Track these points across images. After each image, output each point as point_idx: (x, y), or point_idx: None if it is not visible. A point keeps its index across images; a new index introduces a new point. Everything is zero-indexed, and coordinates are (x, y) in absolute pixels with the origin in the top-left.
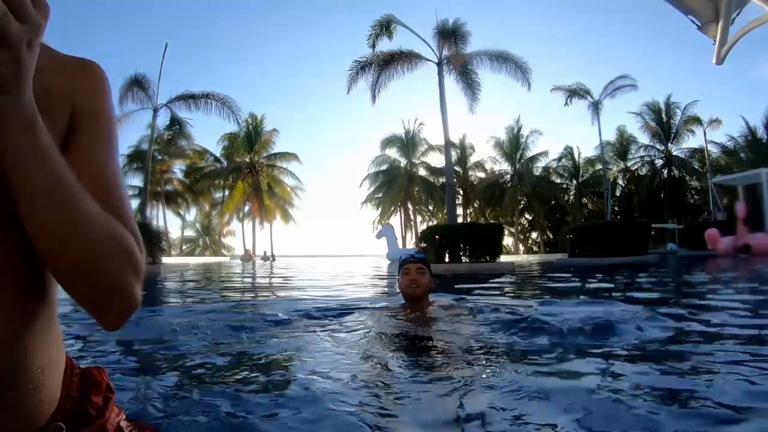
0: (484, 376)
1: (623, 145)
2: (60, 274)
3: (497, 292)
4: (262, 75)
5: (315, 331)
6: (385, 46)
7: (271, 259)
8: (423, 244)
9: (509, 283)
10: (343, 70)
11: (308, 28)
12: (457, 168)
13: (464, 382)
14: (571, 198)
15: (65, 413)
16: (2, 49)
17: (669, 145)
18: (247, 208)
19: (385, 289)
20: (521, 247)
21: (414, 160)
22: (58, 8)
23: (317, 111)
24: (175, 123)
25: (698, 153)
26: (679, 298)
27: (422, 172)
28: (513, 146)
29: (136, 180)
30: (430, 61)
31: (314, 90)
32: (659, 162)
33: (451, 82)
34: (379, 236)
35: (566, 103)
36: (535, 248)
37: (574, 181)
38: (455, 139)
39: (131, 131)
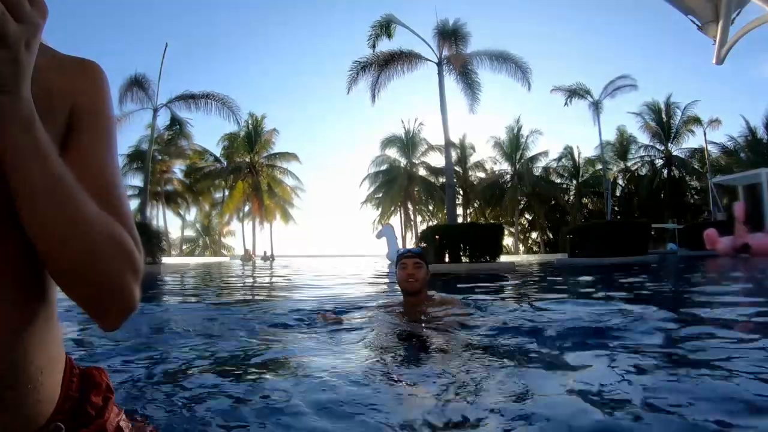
0: (479, 372)
1: (623, 145)
2: (60, 275)
3: (497, 292)
4: (262, 74)
5: (315, 330)
6: (385, 46)
7: (270, 259)
8: (423, 244)
9: (509, 283)
10: (343, 69)
11: (308, 27)
12: (457, 168)
13: (458, 378)
14: (571, 198)
15: (65, 413)
16: (1, 49)
17: (669, 145)
18: (247, 208)
19: (385, 288)
20: (521, 247)
21: (414, 160)
22: (58, 8)
23: (317, 110)
24: (175, 123)
25: (698, 153)
26: (678, 298)
27: (422, 172)
28: (513, 146)
29: (136, 180)
30: (430, 61)
31: (314, 89)
32: (659, 162)
33: (451, 82)
34: (379, 236)
35: (566, 103)
36: (535, 248)
37: (574, 181)
38: (455, 139)
39: (131, 131)
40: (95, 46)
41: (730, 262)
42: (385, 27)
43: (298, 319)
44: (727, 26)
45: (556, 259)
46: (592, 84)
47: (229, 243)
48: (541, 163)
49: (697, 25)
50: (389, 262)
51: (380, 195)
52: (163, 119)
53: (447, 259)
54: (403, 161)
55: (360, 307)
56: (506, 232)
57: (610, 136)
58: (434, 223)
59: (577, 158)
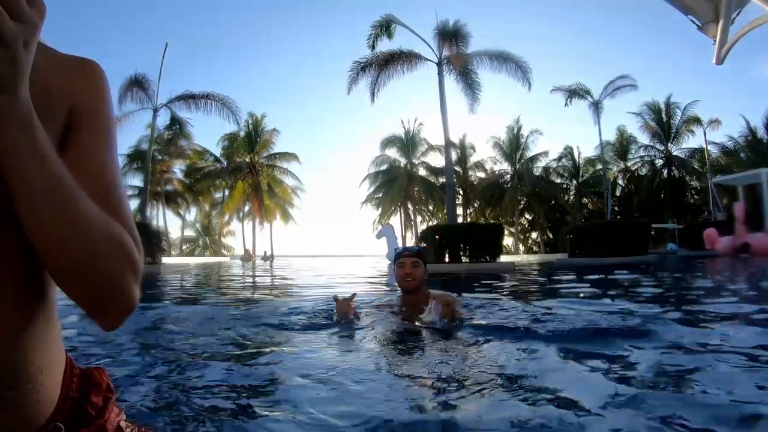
0: (477, 370)
1: (623, 145)
2: (59, 275)
3: (497, 292)
4: (263, 75)
5: (315, 329)
6: (385, 46)
7: (270, 259)
8: (423, 244)
9: (509, 283)
10: (343, 70)
11: (311, 28)
12: (457, 168)
13: (457, 375)
14: (571, 198)
15: (65, 413)
16: None
17: (669, 145)
18: (247, 208)
19: (385, 287)
20: (521, 247)
21: (414, 160)
22: (59, 8)
23: (317, 111)
24: (175, 123)
25: (698, 153)
26: (678, 298)
27: (422, 172)
28: (513, 146)
29: (136, 180)
30: (430, 61)
31: (314, 90)
32: (659, 162)
33: (451, 82)
34: (379, 236)
35: (566, 104)
36: (535, 248)
37: (574, 181)
38: (455, 139)
39: (131, 131)
40: (96, 47)
41: (729, 262)
42: (385, 27)
43: (299, 319)
44: (727, 26)
45: (556, 259)
46: (592, 84)
47: (229, 243)
48: (541, 163)
49: (697, 25)
50: (389, 262)
51: (380, 195)
52: (163, 119)
53: (447, 259)
54: (403, 161)
55: (360, 306)
56: (506, 232)
57: (610, 136)
58: (434, 223)
59: (577, 158)
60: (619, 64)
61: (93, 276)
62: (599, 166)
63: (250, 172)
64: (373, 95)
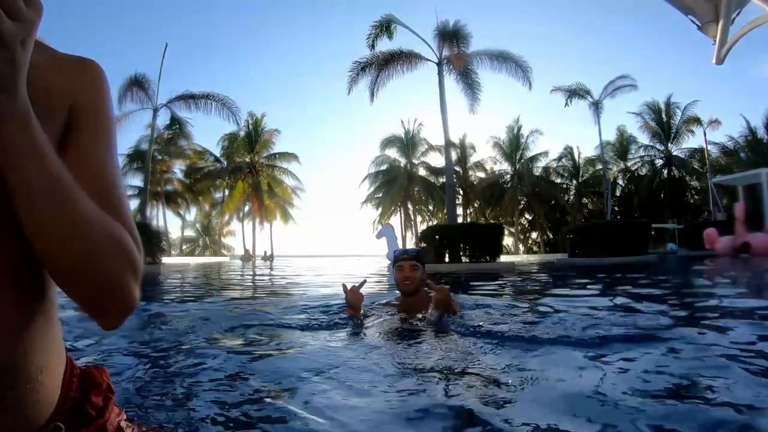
0: (476, 369)
1: (623, 145)
2: (59, 275)
3: (496, 292)
4: (262, 75)
5: (315, 329)
6: (385, 46)
7: (270, 259)
8: (423, 244)
9: (509, 283)
10: (343, 70)
11: (308, 28)
12: (457, 168)
13: (456, 375)
14: (571, 198)
15: (65, 413)
16: None
17: (669, 145)
18: (247, 208)
19: (385, 287)
20: (521, 247)
21: (414, 160)
22: (58, 8)
23: (317, 111)
24: (175, 123)
25: (698, 153)
26: (677, 298)
27: (422, 172)
28: (513, 146)
29: (136, 180)
30: (430, 61)
31: (314, 90)
32: (659, 162)
33: (451, 82)
34: (379, 236)
35: (566, 104)
36: (535, 248)
37: (574, 181)
38: (455, 139)
39: (131, 131)
40: (95, 47)
41: (729, 262)
42: (385, 27)
43: (299, 318)
44: (727, 26)
45: (556, 259)
46: (592, 84)
47: (229, 243)
48: (541, 163)
49: (697, 25)
50: (389, 262)
51: (380, 195)
52: (163, 119)
53: (447, 259)
54: (403, 161)
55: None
56: (506, 232)
57: (610, 136)
58: (434, 223)
59: (577, 158)
60: (619, 64)
61: (93, 276)
62: (599, 166)
63: (250, 172)
64: (372, 95)
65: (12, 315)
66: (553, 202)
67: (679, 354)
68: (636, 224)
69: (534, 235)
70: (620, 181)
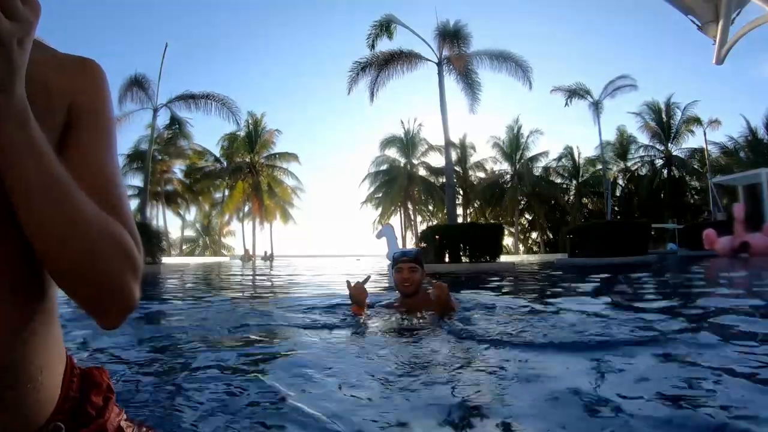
0: (475, 369)
1: (623, 145)
2: (59, 275)
3: (496, 292)
4: (262, 75)
5: (315, 329)
6: (385, 46)
7: (270, 259)
8: (423, 244)
9: (509, 283)
10: (343, 70)
11: (308, 28)
12: (457, 168)
13: (455, 375)
14: (571, 198)
15: (65, 413)
16: None
17: (669, 145)
18: (247, 208)
19: (385, 287)
20: (521, 247)
21: (414, 160)
22: (58, 8)
23: (317, 111)
24: (175, 123)
25: (698, 153)
26: (677, 298)
27: (422, 172)
28: (513, 146)
29: (136, 180)
30: (430, 61)
31: (314, 90)
32: (659, 162)
33: (451, 82)
34: (379, 236)
35: (566, 104)
36: (535, 248)
37: (574, 181)
38: (455, 139)
39: (131, 131)
40: (95, 47)
41: (729, 262)
42: (385, 27)
43: (299, 317)
44: (727, 26)
45: (556, 259)
46: (592, 84)
47: (229, 243)
48: (541, 163)
49: (697, 25)
50: (389, 262)
51: (380, 195)
52: (163, 119)
53: (447, 259)
54: (402, 161)
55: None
56: (506, 232)
57: (610, 136)
58: (434, 223)
59: (577, 158)
60: (619, 64)
61: (93, 276)
62: (599, 166)
63: (250, 172)
64: (372, 95)
65: (12, 315)
66: (553, 202)
67: (678, 355)
68: (636, 224)
69: (534, 235)
70: (620, 181)
